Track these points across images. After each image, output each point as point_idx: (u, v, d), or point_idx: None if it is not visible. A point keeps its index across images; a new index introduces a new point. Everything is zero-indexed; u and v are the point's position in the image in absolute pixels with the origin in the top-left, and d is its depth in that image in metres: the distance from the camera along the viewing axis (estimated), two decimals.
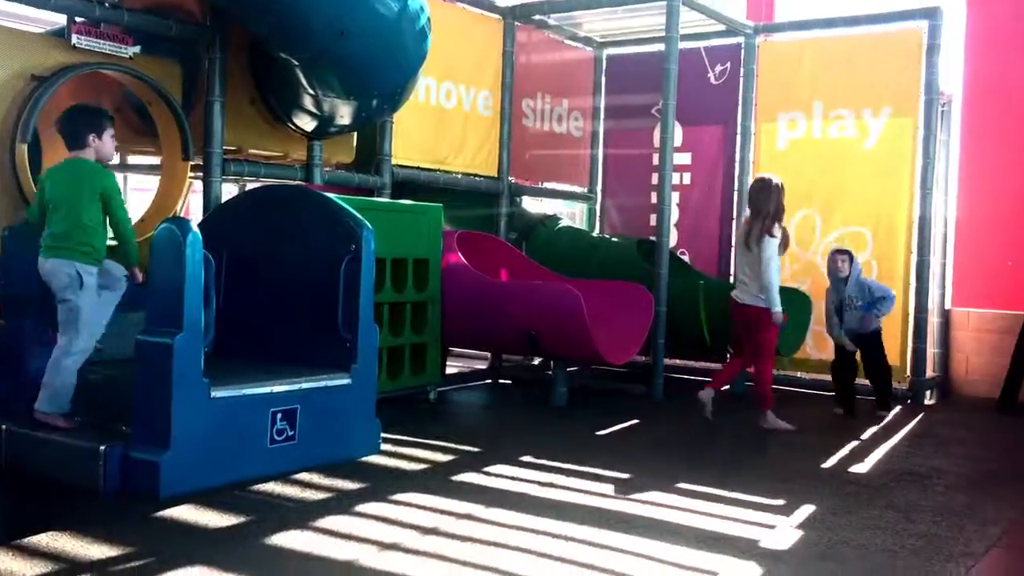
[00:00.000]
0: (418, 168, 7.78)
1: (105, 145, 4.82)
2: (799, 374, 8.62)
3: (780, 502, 4.75)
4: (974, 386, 8.43)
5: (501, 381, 8.45)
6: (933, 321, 8.37)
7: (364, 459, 5.29)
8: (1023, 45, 8.42)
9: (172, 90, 5.92)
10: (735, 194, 9.04)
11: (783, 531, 4.28)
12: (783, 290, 8.31)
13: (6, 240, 4.98)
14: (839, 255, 7.28)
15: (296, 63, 5.78)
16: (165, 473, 4.37)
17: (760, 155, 8.86)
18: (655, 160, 8.44)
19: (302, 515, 4.23)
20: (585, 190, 9.94)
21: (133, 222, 6.39)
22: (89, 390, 4.88)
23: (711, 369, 9.10)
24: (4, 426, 4.83)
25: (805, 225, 8.61)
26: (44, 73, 5.25)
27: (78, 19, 5.47)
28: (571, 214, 11.16)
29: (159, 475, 4.36)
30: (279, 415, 4.88)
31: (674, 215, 9.09)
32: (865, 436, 6.56)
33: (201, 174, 6.28)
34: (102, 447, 4.46)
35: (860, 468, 5.62)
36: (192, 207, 8.41)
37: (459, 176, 8.20)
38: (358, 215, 5.40)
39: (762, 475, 5.30)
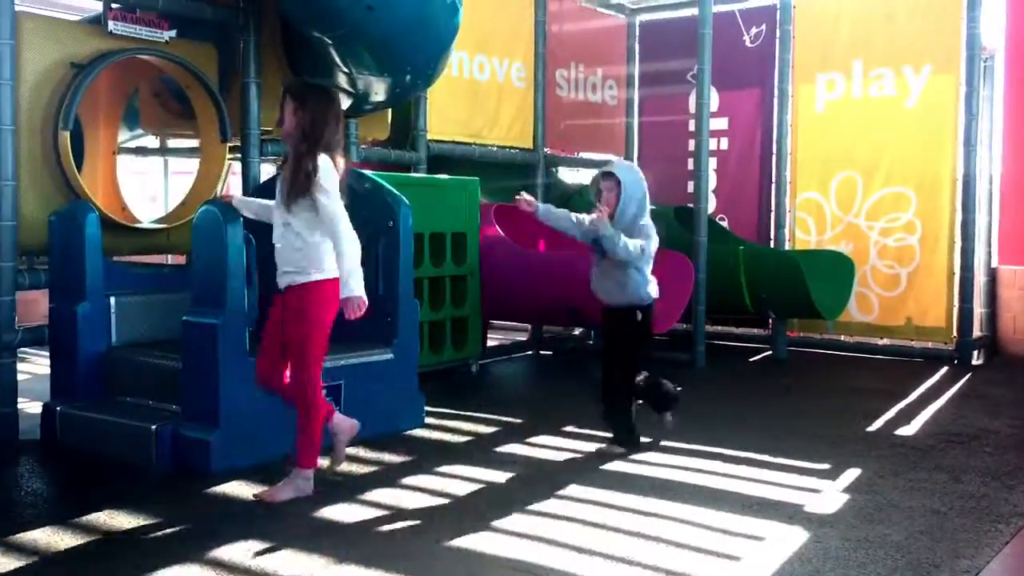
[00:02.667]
0: (453, 142, 7.78)
1: None
2: (842, 337, 8.55)
3: (825, 466, 4.73)
4: (1023, 345, 8.29)
5: (542, 352, 8.47)
6: (979, 280, 8.23)
7: (409, 432, 5.35)
8: None
9: (208, 73, 5.97)
10: (773, 158, 8.94)
11: (829, 495, 4.27)
12: (825, 253, 8.25)
13: (53, 225, 5.08)
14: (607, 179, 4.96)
15: (328, 41, 5.78)
16: (215, 450, 4.47)
17: (798, 117, 8.73)
18: (691, 126, 8.36)
19: (350, 488, 4.29)
20: (621, 159, 9.88)
21: (174, 206, 6.51)
22: (140, 371, 4.99)
23: (752, 335, 9.07)
24: (59, 407, 4.96)
25: (846, 187, 8.49)
26: (83, 61, 5.32)
27: (114, 5, 5.52)
28: None
29: (209, 452, 4.46)
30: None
31: (712, 181, 9.01)
32: (911, 398, 6.50)
33: (239, 155, 6.34)
34: (154, 426, 4.57)
35: (907, 430, 5.58)
36: (232, 188, 8.51)
37: (494, 149, 8.18)
38: (395, 191, 5.43)
39: (807, 440, 5.28)
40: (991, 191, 8.45)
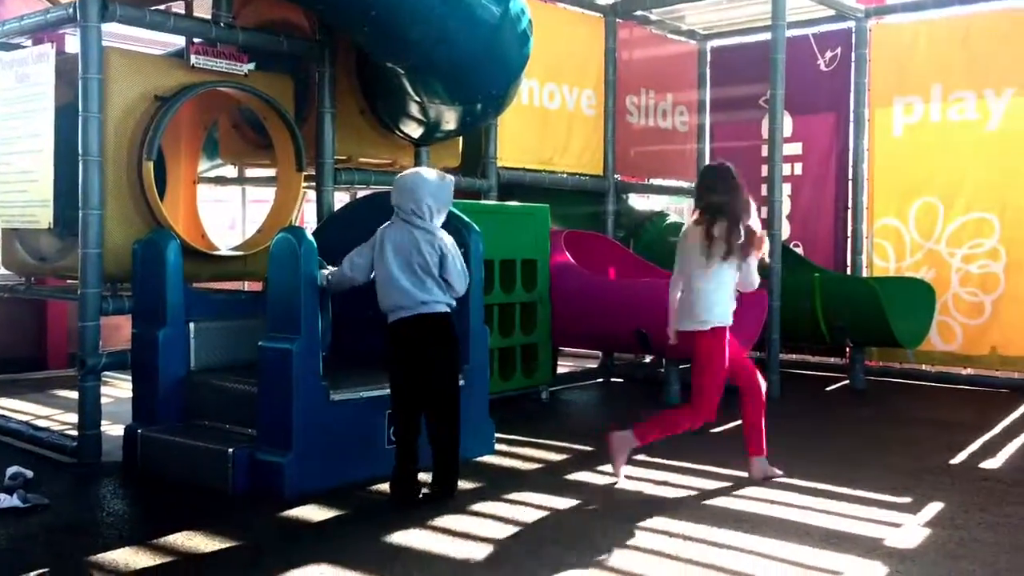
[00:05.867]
0: (524, 169, 7.82)
1: None
2: (924, 367, 8.30)
3: (906, 499, 4.59)
4: None
5: (613, 380, 8.41)
6: None
7: (479, 459, 5.35)
8: None
9: (285, 104, 6.11)
10: (850, 183, 8.78)
11: (910, 529, 4.13)
12: (904, 281, 8.04)
13: (136, 253, 5.23)
14: None
15: (401, 71, 5.88)
16: (288, 474, 4.53)
17: (875, 142, 8.58)
18: (764, 151, 8.27)
19: (420, 514, 4.30)
20: (693, 185, 9.79)
21: (251, 233, 6.66)
22: (217, 395, 5.09)
23: (829, 364, 8.87)
24: (140, 430, 5.09)
25: (926, 213, 8.29)
26: (166, 93, 5.50)
27: (196, 40, 5.71)
28: (679, 210, 11.04)
29: (283, 476, 4.52)
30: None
31: (786, 207, 8.88)
32: (996, 430, 6.27)
33: (314, 184, 6.46)
34: (230, 450, 4.65)
35: (991, 464, 5.38)
36: (307, 216, 8.66)
37: (565, 176, 8.20)
38: (465, 218, 5.46)
39: (886, 472, 5.12)
40: None
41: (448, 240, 4.57)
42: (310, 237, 4.76)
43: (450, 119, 6.37)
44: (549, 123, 8.07)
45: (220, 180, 8.31)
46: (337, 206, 6.56)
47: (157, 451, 5.01)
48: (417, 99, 6.11)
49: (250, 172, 8.13)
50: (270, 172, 7.19)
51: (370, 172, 6.80)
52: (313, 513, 4.32)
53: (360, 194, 7.75)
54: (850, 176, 8.77)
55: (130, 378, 5.40)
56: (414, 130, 6.58)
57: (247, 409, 4.83)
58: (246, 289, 7.71)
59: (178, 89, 5.54)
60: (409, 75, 5.90)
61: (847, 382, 8.18)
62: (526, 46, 6.02)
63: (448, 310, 4.55)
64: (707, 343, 4.78)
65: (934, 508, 4.44)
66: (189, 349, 5.25)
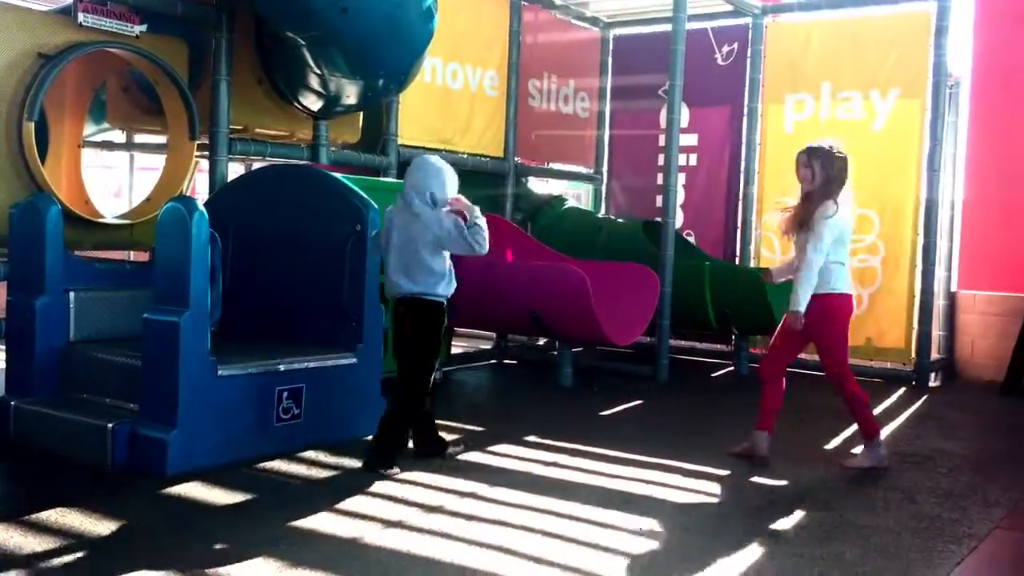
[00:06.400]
0: (424, 148, 7.76)
1: None
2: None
3: (783, 483, 4.77)
4: (979, 369, 8.42)
5: (506, 361, 8.47)
6: (939, 303, 8.36)
7: (370, 437, 5.31)
8: None
9: (179, 69, 5.91)
10: (741, 175, 9.02)
11: (785, 512, 4.30)
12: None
13: (13, 217, 4.99)
14: None
15: (302, 42, 5.76)
16: (172, 450, 4.41)
17: (767, 136, 8.83)
18: (662, 141, 8.42)
19: (308, 493, 4.26)
20: (591, 171, 9.91)
21: (139, 201, 6.44)
22: (97, 368, 4.92)
23: (716, 351, 9.12)
24: (13, 402, 4.87)
25: None
26: (51, 51, 5.25)
27: None
28: (577, 195, 11.16)
29: (166, 452, 4.40)
30: (285, 393, 4.90)
31: (680, 196, 9.07)
32: None
33: (207, 153, 6.28)
34: (110, 424, 4.50)
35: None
36: (198, 186, 8.41)
37: (465, 156, 8.18)
38: (363, 194, 5.40)
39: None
40: (953, 216, 8.58)
41: (435, 220, 4.65)
42: (201, 207, 4.62)
43: (351, 93, 6.27)
44: (451, 103, 8.03)
45: (107, 145, 7.99)
46: (232, 177, 6.40)
47: (31, 424, 4.81)
48: (318, 71, 5.99)
49: (139, 138, 7.84)
50: (161, 139, 6.96)
51: (267, 143, 6.65)
52: (198, 492, 4.22)
53: (256, 166, 7.56)
54: (742, 168, 9.01)
55: (3, 348, 5.16)
56: (313, 103, 6.45)
57: (129, 383, 4.68)
58: (131, 259, 7.45)
59: (64, 47, 5.29)
60: (310, 46, 5.78)
61: (732, 369, 8.45)
62: (430, 23, 5.96)
63: (441, 300, 4.73)
64: None
65: (808, 491, 4.64)
66: (68, 319, 5.05)
